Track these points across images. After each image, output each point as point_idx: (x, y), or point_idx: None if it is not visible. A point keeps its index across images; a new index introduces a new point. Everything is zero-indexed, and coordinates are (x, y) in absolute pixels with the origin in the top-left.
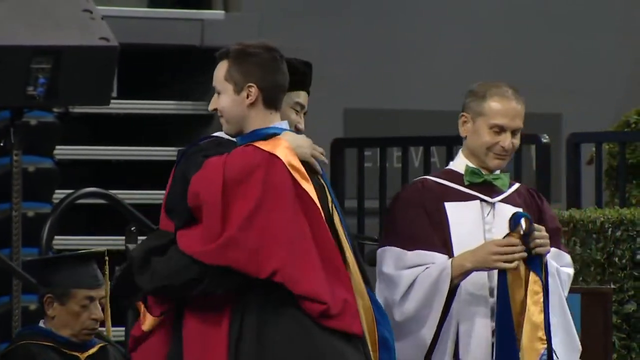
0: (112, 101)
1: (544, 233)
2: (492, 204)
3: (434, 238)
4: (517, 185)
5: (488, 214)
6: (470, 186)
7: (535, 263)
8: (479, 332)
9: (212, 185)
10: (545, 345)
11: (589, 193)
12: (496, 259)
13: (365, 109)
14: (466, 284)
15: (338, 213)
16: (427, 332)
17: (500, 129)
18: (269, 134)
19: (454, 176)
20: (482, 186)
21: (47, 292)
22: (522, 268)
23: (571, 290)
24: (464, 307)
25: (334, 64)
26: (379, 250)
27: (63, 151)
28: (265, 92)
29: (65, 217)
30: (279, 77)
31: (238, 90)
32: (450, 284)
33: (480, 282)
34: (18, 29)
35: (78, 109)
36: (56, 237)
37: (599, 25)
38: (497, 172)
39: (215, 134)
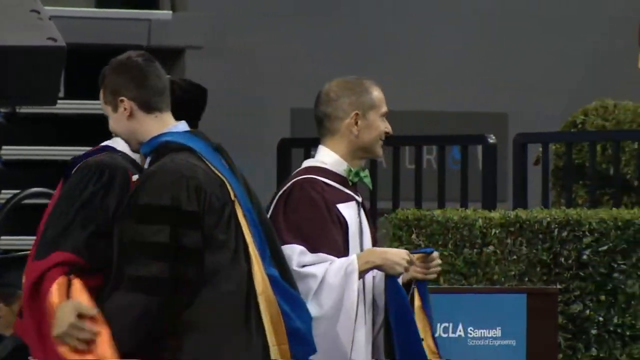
0: (59, 101)
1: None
2: (359, 203)
3: (337, 239)
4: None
5: (358, 215)
6: (347, 187)
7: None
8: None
9: None
10: None
11: (536, 193)
12: (404, 266)
13: (312, 109)
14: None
15: (241, 206)
16: (346, 332)
17: (384, 115)
18: (162, 143)
19: (335, 176)
20: (351, 186)
21: None
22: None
23: (517, 291)
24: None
25: (279, 63)
26: (286, 248)
27: (9, 151)
28: (138, 100)
29: (12, 218)
30: (149, 81)
31: (114, 108)
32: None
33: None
34: None
35: (25, 109)
36: (2, 237)
37: (547, 27)
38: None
39: (106, 143)
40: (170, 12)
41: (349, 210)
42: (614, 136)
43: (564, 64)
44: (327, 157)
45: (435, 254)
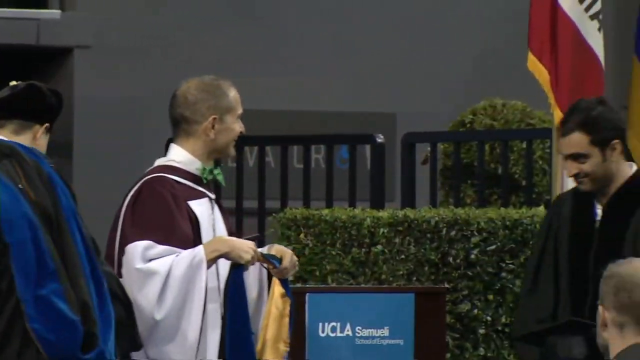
0: None
1: (295, 261)
2: (213, 200)
3: (188, 233)
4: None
5: (211, 212)
6: (200, 184)
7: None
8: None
9: None
10: (288, 349)
11: (424, 193)
12: (251, 254)
13: None
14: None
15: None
16: (193, 329)
17: (239, 116)
18: None
19: (186, 174)
20: (204, 184)
21: None
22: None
23: (405, 290)
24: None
25: (170, 63)
26: (130, 247)
27: None
28: None
29: None
30: None
31: None
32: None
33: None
34: None
35: None
36: None
37: (436, 27)
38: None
39: None
40: (59, 11)
41: (200, 207)
42: (502, 136)
43: (452, 64)
44: (179, 156)
45: (285, 263)
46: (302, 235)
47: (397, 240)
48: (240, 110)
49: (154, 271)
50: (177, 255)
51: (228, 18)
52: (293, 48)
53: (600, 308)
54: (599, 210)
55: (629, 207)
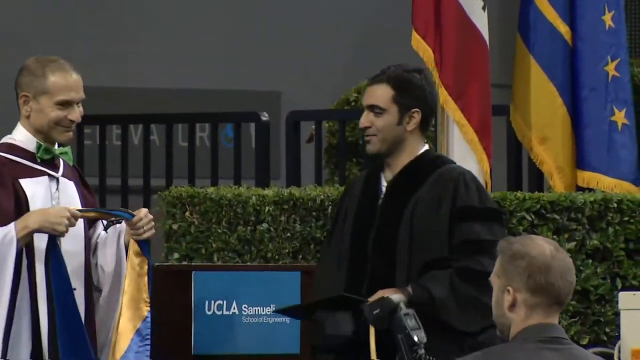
0: None
1: (149, 218)
2: (57, 179)
3: (9, 210)
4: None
5: (56, 190)
6: (43, 163)
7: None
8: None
9: None
10: (149, 309)
11: (309, 171)
12: (65, 224)
13: (84, 86)
14: None
15: None
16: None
17: (67, 104)
18: None
19: (21, 151)
20: (48, 162)
21: None
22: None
23: (290, 269)
24: None
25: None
26: None
27: None
28: None
29: None
30: None
31: None
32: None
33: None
34: None
35: None
36: None
37: (320, 4)
38: (56, 145)
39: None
40: None
41: (36, 186)
42: None
43: (336, 42)
44: (19, 134)
45: (142, 214)
46: (187, 214)
47: (282, 218)
48: (61, 97)
49: None
50: None
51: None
52: (176, 25)
53: (507, 290)
54: (384, 189)
55: (410, 186)
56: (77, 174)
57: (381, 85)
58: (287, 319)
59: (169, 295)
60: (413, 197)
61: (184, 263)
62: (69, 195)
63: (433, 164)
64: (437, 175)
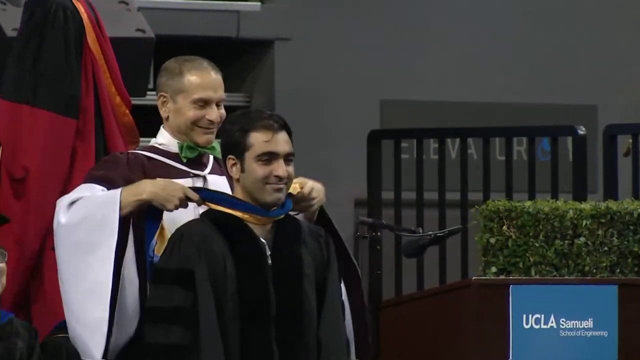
0: (148, 92)
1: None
2: (204, 177)
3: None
4: (211, 156)
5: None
6: (181, 163)
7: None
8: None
9: None
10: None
11: (626, 184)
12: (175, 203)
13: (402, 100)
14: None
15: None
16: (102, 274)
17: (204, 103)
18: None
19: (165, 154)
20: (194, 162)
21: None
22: None
23: (607, 282)
24: None
25: (369, 55)
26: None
27: None
28: None
29: None
30: None
31: None
32: (120, 212)
33: None
34: None
35: None
36: None
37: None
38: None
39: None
40: (259, 3)
41: None
42: None
43: None
44: (160, 137)
45: (306, 189)
46: (504, 227)
47: (600, 232)
48: (196, 95)
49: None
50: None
51: (406, 13)
52: (484, 39)
53: None
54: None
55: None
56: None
57: (284, 133)
58: (604, 333)
59: (486, 308)
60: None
61: (502, 277)
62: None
63: None
64: None
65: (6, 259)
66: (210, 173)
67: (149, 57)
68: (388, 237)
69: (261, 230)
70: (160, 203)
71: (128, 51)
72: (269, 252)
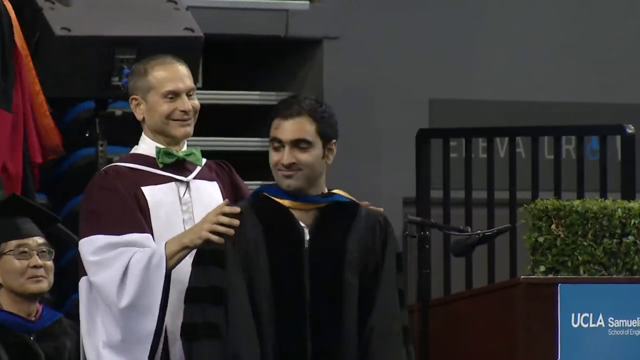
0: (197, 92)
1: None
2: (187, 183)
3: (140, 219)
4: (204, 160)
5: (184, 194)
6: (164, 168)
7: None
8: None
9: None
10: None
11: None
12: (205, 230)
13: (450, 99)
14: None
15: None
16: (150, 324)
17: (174, 95)
18: None
19: (145, 160)
20: (175, 166)
21: None
22: None
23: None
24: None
25: (418, 54)
26: (82, 242)
27: None
28: None
29: None
30: None
31: None
32: (167, 266)
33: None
34: (101, 19)
35: None
36: None
37: None
38: (185, 147)
39: None
40: (308, 2)
41: (158, 192)
42: None
43: None
44: (142, 142)
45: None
46: (553, 226)
47: None
48: (165, 89)
49: (112, 259)
50: (134, 255)
51: (455, 12)
52: (538, 38)
53: None
54: None
55: None
56: (226, 171)
57: (302, 119)
58: None
59: (535, 308)
60: None
61: (550, 276)
62: (205, 197)
63: None
64: None
65: (53, 257)
66: (196, 178)
67: (197, 56)
68: (436, 236)
69: (303, 215)
70: (193, 241)
71: (177, 50)
72: (307, 237)
